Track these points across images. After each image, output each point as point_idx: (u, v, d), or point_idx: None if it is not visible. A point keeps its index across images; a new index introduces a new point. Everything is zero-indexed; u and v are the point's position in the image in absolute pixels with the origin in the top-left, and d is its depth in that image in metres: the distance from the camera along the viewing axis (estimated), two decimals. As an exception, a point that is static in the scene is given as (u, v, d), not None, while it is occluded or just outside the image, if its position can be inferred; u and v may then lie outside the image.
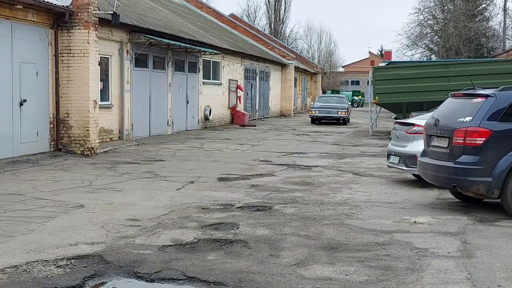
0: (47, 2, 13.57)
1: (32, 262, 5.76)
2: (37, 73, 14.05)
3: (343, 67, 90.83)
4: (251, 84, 33.89)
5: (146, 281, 5.33)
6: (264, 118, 36.35)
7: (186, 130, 23.54)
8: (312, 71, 55.44)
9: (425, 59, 42.72)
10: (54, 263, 5.75)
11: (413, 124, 11.04)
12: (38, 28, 14.01)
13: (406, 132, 11.01)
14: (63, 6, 14.14)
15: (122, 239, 6.68)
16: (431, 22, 43.69)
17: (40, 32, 14.10)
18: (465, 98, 8.77)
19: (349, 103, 35.04)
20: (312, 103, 37.62)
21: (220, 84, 28.14)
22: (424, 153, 9.13)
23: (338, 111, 31.07)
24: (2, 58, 12.86)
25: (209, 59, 26.17)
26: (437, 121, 8.73)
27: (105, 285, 5.27)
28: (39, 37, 14.07)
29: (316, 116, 31.55)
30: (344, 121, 31.21)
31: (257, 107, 35.34)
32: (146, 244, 6.48)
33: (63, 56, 14.62)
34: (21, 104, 13.49)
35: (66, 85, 14.63)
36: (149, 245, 6.44)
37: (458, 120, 8.35)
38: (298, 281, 5.26)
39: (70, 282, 5.22)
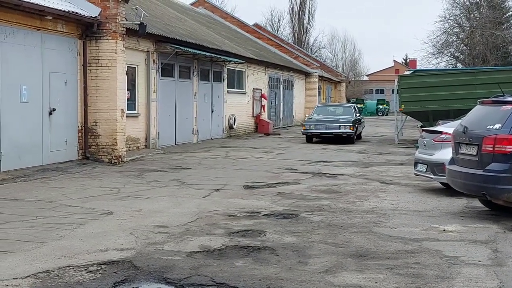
0: (76, 13, 13.81)
1: (63, 267, 5.85)
2: (66, 83, 14.28)
3: (367, 75, 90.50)
4: (275, 93, 33.96)
5: (176, 286, 5.37)
6: (288, 126, 36.36)
7: (211, 138, 23.66)
8: (336, 79, 55.34)
9: (450, 68, 42.37)
10: (85, 268, 5.83)
11: (440, 132, 10.96)
12: (67, 39, 14.25)
13: (433, 140, 10.93)
14: (91, 16, 14.37)
15: (151, 245, 6.74)
16: (457, 30, 43.37)
17: (69, 42, 14.34)
18: (494, 105, 8.69)
19: (358, 115, 25.98)
20: (306, 115, 27.57)
21: (244, 93, 28.26)
22: (452, 161, 9.05)
23: (340, 125, 23.08)
24: (32, 67, 13.09)
25: (233, 68, 26.31)
26: (465, 129, 8.66)
27: (135, 290, 5.33)
28: (68, 47, 14.31)
29: (311, 132, 23.46)
30: (349, 139, 23.21)
31: (281, 116, 35.36)
32: (175, 250, 6.54)
33: (91, 66, 14.84)
34: (50, 113, 13.70)
35: (94, 94, 14.84)
36: (177, 251, 6.50)
37: (487, 127, 8.27)
38: (327, 288, 5.26)
39: (101, 287, 5.29)
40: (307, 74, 41.27)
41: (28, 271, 5.68)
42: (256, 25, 46.81)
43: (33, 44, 13.09)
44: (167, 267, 5.85)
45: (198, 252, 6.48)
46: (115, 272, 5.73)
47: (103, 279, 5.50)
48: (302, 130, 24.02)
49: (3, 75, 12.16)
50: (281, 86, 35.27)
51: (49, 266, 5.87)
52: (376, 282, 5.43)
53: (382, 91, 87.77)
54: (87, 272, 5.70)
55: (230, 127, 25.99)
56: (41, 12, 12.84)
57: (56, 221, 8.05)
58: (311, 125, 23.51)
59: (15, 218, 8.18)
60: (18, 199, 9.75)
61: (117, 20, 14.61)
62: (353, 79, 74.82)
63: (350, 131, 22.99)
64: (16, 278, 5.47)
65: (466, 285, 5.36)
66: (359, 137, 25.62)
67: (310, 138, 23.72)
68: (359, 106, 66.16)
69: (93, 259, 6.15)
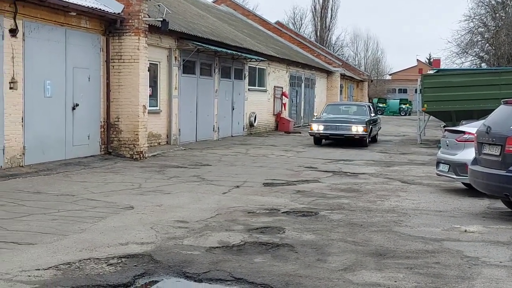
0: (100, 9, 13.93)
1: (84, 259, 5.91)
2: (89, 78, 14.42)
3: (390, 75, 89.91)
4: (296, 91, 33.90)
5: (195, 281, 5.40)
6: (309, 125, 36.19)
7: (231, 136, 23.72)
8: (359, 78, 55.07)
9: (475, 68, 41.90)
10: (106, 261, 5.88)
11: (463, 132, 10.85)
12: (90, 35, 14.39)
13: (456, 139, 10.83)
14: (114, 13, 14.48)
15: (171, 240, 6.79)
16: (482, 29, 42.83)
17: (92, 38, 14.48)
18: (518, 105, 8.58)
19: (373, 115, 23.31)
20: (315, 114, 25.85)
21: (265, 91, 28.26)
22: (475, 161, 8.96)
23: (351, 126, 20.65)
24: (56, 63, 13.25)
25: (255, 66, 26.33)
26: (489, 129, 8.57)
27: (155, 284, 5.37)
28: (91, 43, 14.45)
29: (320, 133, 21.02)
30: (361, 141, 20.81)
31: (302, 114, 35.28)
32: (194, 245, 6.57)
33: (114, 62, 14.96)
34: (73, 108, 13.86)
35: (116, 90, 14.97)
36: (197, 246, 6.53)
37: (511, 127, 8.17)
38: (345, 286, 5.25)
39: (121, 280, 5.34)
40: (329, 73, 41.12)
41: (50, 263, 5.76)
42: (278, 23, 46.77)
43: (57, 40, 13.24)
44: (186, 262, 5.88)
45: (217, 247, 6.50)
46: (135, 265, 5.78)
47: (123, 272, 5.55)
48: (310, 131, 21.54)
49: (28, 70, 12.33)
50: (303, 84, 35.19)
51: (70, 258, 5.94)
52: (395, 281, 5.40)
53: (405, 91, 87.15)
54: (107, 265, 5.75)
55: (251, 124, 26.01)
56: (65, 8, 12.99)
57: (77, 214, 8.14)
58: (319, 125, 21.04)
59: (37, 210, 8.29)
60: (41, 192, 9.88)
61: (140, 17, 14.71)
62: (375, 78, 74.42)
63: (363, 133, 20.55)
64: (38, 269, 5.54)
65: (486, 285, 5.31)
66: (374, 139, 23.24)
67: (318, 140, 21.42)
68: (381, 105, 66.06)
69: (114, 252, 6.20)
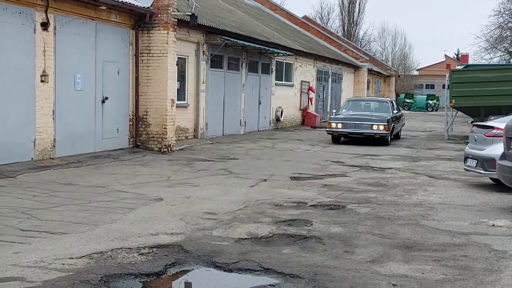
0: (129, 3, 14.11)
1: (116, 249, 6.06)
2: (118, 72, 14.63)
3: (417, 70, 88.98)
4: (323, 86, 33.83)
5: (224, 270, 5.50)
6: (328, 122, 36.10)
7: (258, 130, 23.80)
8: (386, 73, 54.67)
9: (504, 63, 41.29)
10: (137, 250, 6.02)
11: (492, 127, 10.77)
12: (120, 29, 14.59)
13: (484, 135, 10.76)
14: (144, 7, 14.66)
15: (200, 230, 6.91)
16: (512, 24, 42.17)
17: (122, 32, 14.68)
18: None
19: (396, 111, 21.90)
20: (333, 111, 24.29)
21: (292, 86, 28.27)
22: (503, 156, 8.90)
23: (372, 124, 19.37)
24: (87, 56, 13.47)
25: (282, 60, 26.35)
26: (518, 123, 8.51)
27: (185, 273, 5.49)
28: (121, 37, 14.65)
29: (338, 131, 19.66)
30: (382, 140, 19.52)
31: (328, 109, 35.16)
32: (223, 236, 6.68)
33: (143, 56, 15.15)
34: (103, 102, 14.08)
35: (145, 84, 15.16)
36: (226, 237, 6.64)
37: (541, 122, 8.11)
38: (373, 277, 5.30)
39: (152, 268, 5.47)
40: (356, 68, 40.93)
41: (83, 252, 5.91)
42: (305, 17, 46.66)
43: (88, 34, 13.45)
44: (215, 252, 5.99)
45: (245, 238, 6.60)
46: (165, 255, 5.91)
47: (154, 261, 5.68)
48: (328, 129, 20.06)
49: (59, 63, 12.56)
50: (329, 79, 35.10)
51: (102, 247, 6.09)
52: (422, 273, 5.43)
53: (432, 86, 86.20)
54: (139, 254, 5.89)
55: (277, 119, 26.06)
56: (95, 2, 13.18)
57: (108, 205, 8.31)
58: (338, 122, 19.71)
59: (69, 201, 8.49)
60: (72, 183, 10.09)
61: (169, 11, 14.85)
62: (403, 73, 73.74)
63: (384, 132, 19.26)
64: (72, 258, 5.70)
65: (515, 279, 5.32)
66: (397, 137, 22.15)
67: (337, 138, 19.95)
68: (408, 101, 65.43)
69: (145, 242, 6.34)
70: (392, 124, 20.05)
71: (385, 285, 5.08)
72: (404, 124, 24.72)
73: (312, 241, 6.56)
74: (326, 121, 33.13)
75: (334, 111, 23.90)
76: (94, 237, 6.52)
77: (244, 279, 5.29)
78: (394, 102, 23.14)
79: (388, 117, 19.88)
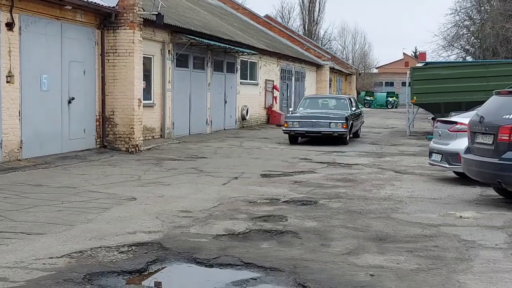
0: (95, 3, 14.02)
1: (95, 248, 6.08)
2: (84, 72, 14.52)
3: (377, 68, 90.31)
4: (287, 85, 34.11)
5: (206, 266, 5.60)
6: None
7: (224, 129, 23.88)
8: (347, 71, 55.40)
9: (460, 60, 42.31)
10: (117, 249, 6.06)
11: (455, 122, 11.13)
12: (86, 28, 14.49)
13: (448, 130, 11.10)
14: (109, 6, 14.58)
15: (177, 228, 6.98)
16: (468, 23, 43.26)
17: (87, 32, 14.58)
18: (510, 96, 8.85)
19: (355, 108, 21.44)
20: (290, 109, 23.83)
21: (257, 84, 28.44)
22: (468, 150, 9.22)
23: (330, 122, 18.59)
24: (53, 57, 13.34)
25: (246, 59, 26.48)
26: (482, 118, 8.83)
27: (167, 268, 5.56)
28: (87, 37, 14.55)
29: (294, 131, 18.83)
30: (340, 139, 18.82)
31: (292, 107, 35.46)
32: (201, 233, 6.77)
33: (109, 56, 15.07)
34: (69, 102, 13.96)
35: (111, 83, 15.08)
36: (203, 234, 6.72)
37: (503, 117, 8.43)
38: (351, 268, 5.47)
39: (134, 266, 5.52)
40: (318, 66, 41.37)
41: (62, 251, 5.92)
42: (267, 16, 46.86)
43: (53, 34, 13.33)
44: (195, 248, 6.08)
45: (223, 235, 6.70)
46: (145, 252, 5.97)
47: (135, 259, 5.73)
48: (284, 128, 19.17)
49: (24, 64, 12.41)
50: (293, 78, 35.40)
51: (81, 247, 6.11)
52: (397, 263, 5.64)
53: (391, 84, 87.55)
54: (119, 253, 5.93)
55: (243, 118, 26.20)
56: (61, 2, 13.08)
57: (82, 205, 8.30)
58: (294, 121, 18.90)
59: (41, 202, 8.44)
60: (42, 185, 10.01)
61: (135, 10, 14.82)
62: (363, 71, 74.76)
63: (343, 130, 18.53)
64: (52, 258, 5.70)
65: (485, 266, 5.56)
66: (356, 135, 21.54)
67: (294, 138, 19.14)
68: (368, 98, 66.33)
69: (123, 241, 6.38)
70: (351, 122, 19.42)
71: (363, 276, 5.25)
72: (363, 121, 24.16)
73: (288, 236, 6.71)
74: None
75: (290, 109, 23.10)
76: (72, 237, 6.53)
77: (226, 274, 5.39)
78: (353, 99, 22.46)
79: (347, 115, 19.17)
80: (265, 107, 29.73)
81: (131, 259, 5.72)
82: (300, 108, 20.65)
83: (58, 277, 5.13)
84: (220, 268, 5.54)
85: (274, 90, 30.74)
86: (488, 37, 39.89)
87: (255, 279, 5.23)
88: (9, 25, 11.92)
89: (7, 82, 11.98)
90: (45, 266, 5.45)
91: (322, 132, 18.63)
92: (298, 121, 18.87)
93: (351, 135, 20.19)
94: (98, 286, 4.97)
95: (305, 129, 18.72)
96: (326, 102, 21.58)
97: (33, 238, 6.46)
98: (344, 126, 18.60)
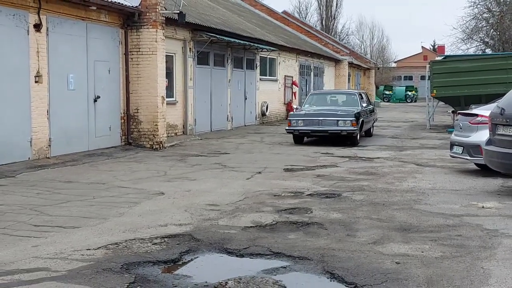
0: (118, 3, 14.33)
1: (130, 240, 6.34)
2: (109, 71, 14.84)
3: (395, 62, 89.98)
4: (306, 80, 34.25)
5: (237, 256, 5.83)
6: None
7: (245, 125, 24.13)
8: (365, 66, 55.30)
9: (479, 53, 42.05)
10: (150, 241, 6.31)
11: (476, 115, 11.23)
12: (110, 28, 14.80)
13: (469, 122, 11.21)
14: (132, 6, 14.88)
15: (206, 221, 7.22)
16: (487, 15, 42.96)
17: (111, 31, 14.88)
18: (531, 88, 8.96)
19: (365, 104, 19.27)
20: (295, 107, 22.74)
21: (276, 80, 28.64)
22: (489, 142, 9.35)
23: (338, 120, 16.87)
24: (78, 56, 13.67)
25: (265, 56, 26.68)
26: (503, 110, 8.94)
27: (200, 258, 5.80)
28: (111, 37, 14.86)
29: (298, 130, 17.11)
30: (349, 138, 16.97)
31: (297, 104, 35.60)
32: (230, 225, 7.00)
33: (132, 55, 15.37)
34: (95, 101, 14.29)
35: (135, 82, 15.38)
36: (232, 226, 6.96)
37: (524, 109, 8.55)
38: (377, 257, 5.67)
39: (168, 256, 5.77)
40: (337, 61, 41.42)
41: (99, 243, 6.19)
42: (285, 12, 47.03)
43: (79, 34, 13.65)
44: (225, 239, 6.31)
45: (251, 227, 6.93)
46: (178, 243, 6.21)
47: (169, 250, 5.98)
48: (287, 127, 17.49)
49: (52, 64, 12.75)
50: (312, 73, 35.53)
51: (116, 239, 6.38)
52: (422, 252, 5.82)
53: (410, 78, 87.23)
54: (152, 244, 6.18)
55: (263, 114, 26.42)
56: (86, 3, 13.38)
57: (112, 200, 8.58)
58: (298, 120, 17.19)
59: (73, 198, 8.73)
60: (72, 181, 10.32)
61: (157, 10, 15.09)
62: (381, 65, 74.54)
63: (352, 128, 16.70)
64: (89, 249, 5.97)
65: (508, 253, 5.72)
66: (368, 133, 19.75)
67: (299, 138, 17.41)
68: (387, 92, 66.14)
69: (155, 233, 6.63)
70: (361, 119, 17.57)
71: (389, 263, 5.45)
72: (376, 119, 22.20)
73: (314, 227, 6.91)
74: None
75: (295, 107, 21.56)
76: (106, 229, 6.80)
77: (257, 263, 5.62)
78: (363, 94, 20.48)
79: (356, 112, 17.37)
80: (284, 103, 29.91)
81: (165, 250, 5.97)
82: (306, 105, 19.04)
83: (97, 266, 5.39)
84: (251, 258, 5.77)
85: (293, 85, 30.91)
86: (508, 29, 39.60)
87: (285, 267, 5.44)
88: (37, 27, 12.25)
89: (36, 82, 12.32)
90: (83, 256, 5.72)
91: (329, 131, 16.94)
92: (303, 120, 17.14)
93: (363, 134, 18.67)
94: (136, 275, 5.22)
95: (310, 128, 17.05)
96: (334, 98, 20.02)
97: (70, 231, 6.74)
98: (354, 124, 16.79)
